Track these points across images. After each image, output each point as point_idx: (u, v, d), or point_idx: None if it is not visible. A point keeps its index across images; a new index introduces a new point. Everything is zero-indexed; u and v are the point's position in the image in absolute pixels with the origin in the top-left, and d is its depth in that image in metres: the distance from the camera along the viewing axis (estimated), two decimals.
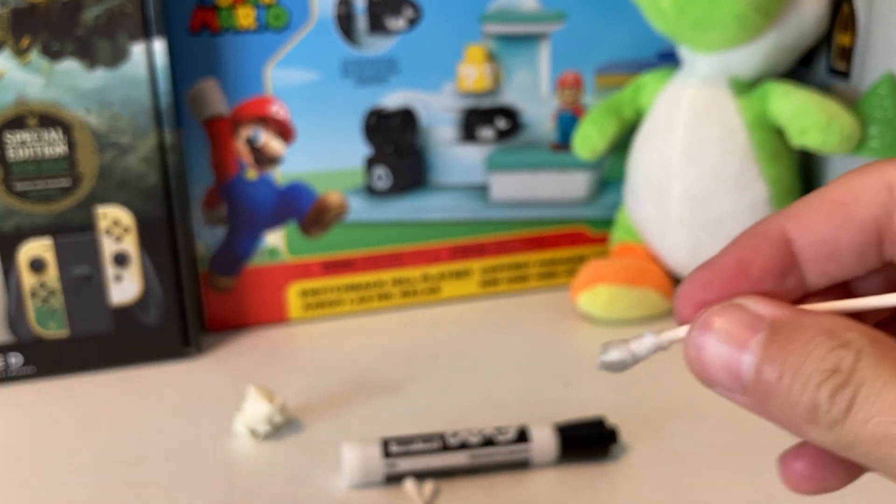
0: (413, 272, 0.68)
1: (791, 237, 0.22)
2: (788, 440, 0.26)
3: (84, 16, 0.53)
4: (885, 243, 0.22)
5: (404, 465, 0.45)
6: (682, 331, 0.23)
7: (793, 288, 0.22)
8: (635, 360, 0.24)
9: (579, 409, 0.51)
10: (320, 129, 0.63)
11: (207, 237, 0.64)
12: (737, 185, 0.59)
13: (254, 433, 0.51)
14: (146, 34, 0.54)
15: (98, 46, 0.54)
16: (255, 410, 0.50)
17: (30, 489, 0.47)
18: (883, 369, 0.19)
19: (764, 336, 0.20)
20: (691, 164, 0.60)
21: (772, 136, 0.59)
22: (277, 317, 0.66)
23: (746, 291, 0.22)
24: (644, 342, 0.23)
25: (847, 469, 0.25)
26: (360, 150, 0.64)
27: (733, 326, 0.21)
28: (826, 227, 0.22)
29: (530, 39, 0.65)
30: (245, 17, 0.60)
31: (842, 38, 0.59)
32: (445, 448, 0.46)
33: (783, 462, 0.26)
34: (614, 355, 0.23)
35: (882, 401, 0.18)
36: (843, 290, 0.24)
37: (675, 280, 0.66)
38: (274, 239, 0.65)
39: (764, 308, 0.21)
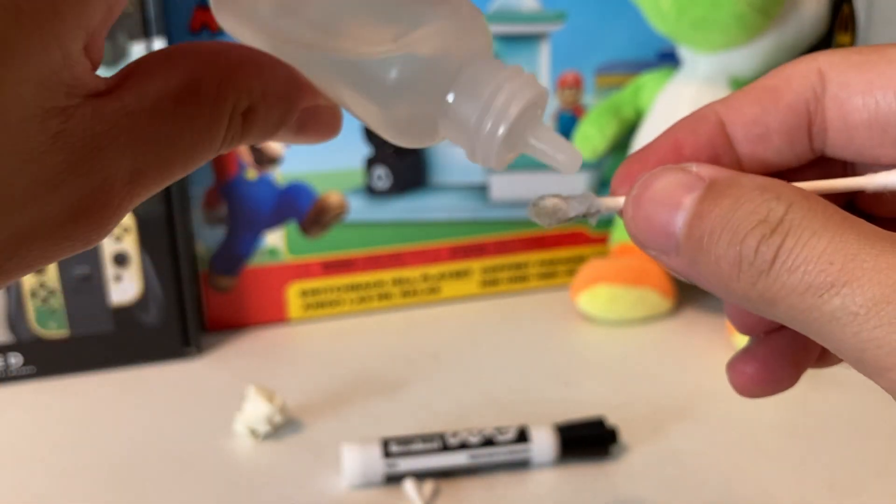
0: (413, 272, 0.68)
1: (724, 120, 0.22)
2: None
3: None
4: (813, 129, 0.22)
5: (404, 465, 0.45)
6: (622, 199, 0.22)
7: (730, 167, 0.22)
8: (565, 213, 0.23)
9: (579, 409, 0.51)
10: None
11: (207, 237, 0.64)
12: None
13: (254, 433, 0.51)
14: (146, 34, 0.54)
15: None
16: (255, 410, 0.50)
17: (30, 489, 0.47)
18: (814, 220, 0.18)
19: (699, 193, 0.20)
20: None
21: None
22: (277, 317, 0.66)
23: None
24: (582, 198, 0.23)
25: (796, 363, 0.25)
26: (360, 150, 0.64)
27: (671, 186, 0.21)
28: (756, 108, 0.22)
29: (530, 39, 0.65)
30: None
31: (842, 38, 0.59)
32: (445, 448, 0.46)
33: (733, 368, 0.26)
34: (549, 202, 0.23)
35: (809, 249, 0.18)
36: None
37: (674, 280, 0.66)
38: (274, 239, 0.65)
39: (705, 170, 0.21)
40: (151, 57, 0.21)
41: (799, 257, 0.18)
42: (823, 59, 0.22)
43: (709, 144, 0.22)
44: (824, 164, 0.23)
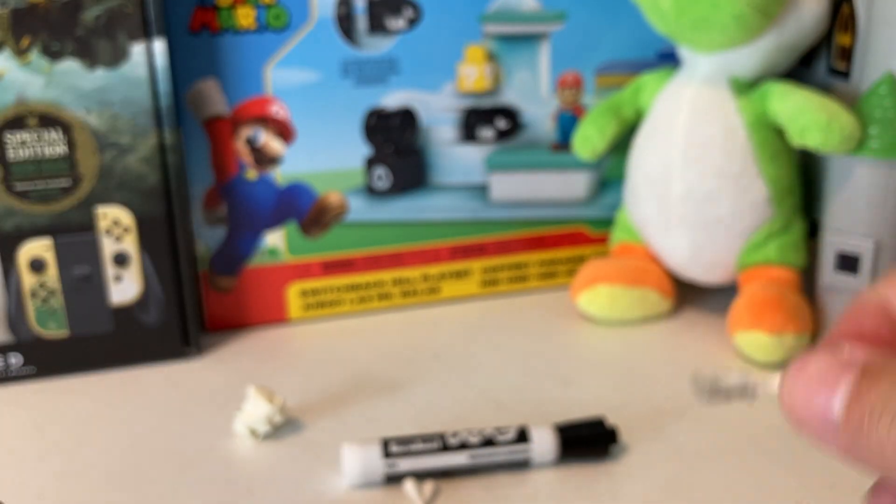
0: (413, 272, 0.68)
1: (889, 300, 0.22)
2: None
3: (84, 16, 0.53)
4: None
5: (404, 465, 0.45)
6: (776, 379, 0.22)
7: None
8: (722, 385, 0.23)
9: (579, 409, 0.51)
10: (320, 129, 0.63)
11: (207, 237, 0.64)
12: (737, 185, 0.59)
13: (254, 433, 0.51)
14: (146, 34, 0.54)
15: (98, 46, 0.54)
16: (255, 410, 0.50)
17: (30, 489, 0.47)
18: None
19: (853, 377, 0.19)
20: (691, 164, 0.60)
21: (772, 136, 0.59)
22: (277, 317, 0.66)
23: None
24: (740, 376, 0.23)
25: None
26: (360, 150, 0.64)
27: (825, 369, 0.20)
28: None
29: (530, 39, 0.65)
30: (245, 17, 0.60)
31: (842, 38, 0.59)
32: (445, 448, 0.46)
33: (872, 497, 0.25)
34: (732, 379, 0.23)
35: None
36: None
37: (674, 280, 0.66)
38: (274, 239, 0.65)
39: (858, 351, 0.20)
40: None
41: None
42: None
43: (873, 330, 0.22)
44: None
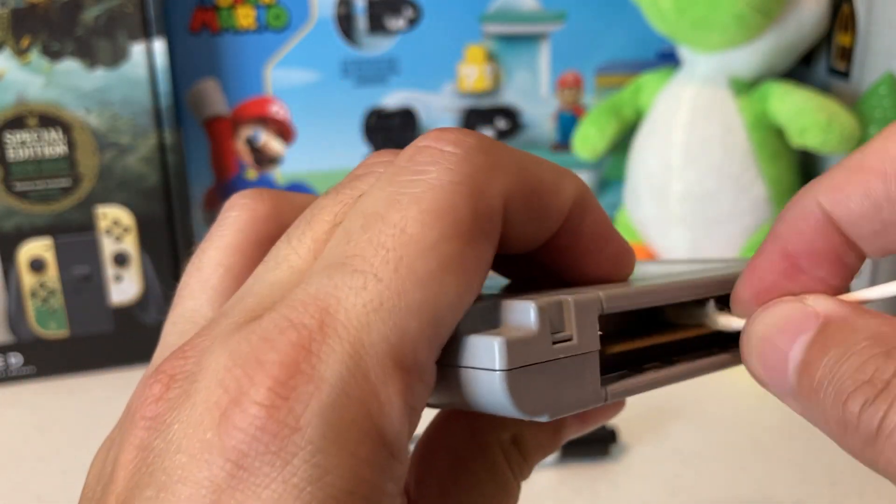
0: None
1: (832, 214, 0.19)
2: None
3: (84, 16, 0.53)
4: None
5: None
6: (738, 322, 0.21)
7: (857, 263, 0.20)
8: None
9: None
10: (320, 129, 0.63)
11: None
12: (737, 185, 0.59)
13: None
14: (146, 34, 0.55)
15: (98, 46, 0.54)
16: None
17: (30, 489, 0.47)
18: None
19: (809, 336, 0.18)
20: (691, 164, 0.60)
21: (772, 136, 0.59)
22: None
23: (805, 285, 0.19)
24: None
25: None
26: (360, 150, 0.64)
27: (783, 325, 0.19)
28: (866, 203, 0.19)
29: (530, 39, 0.65)
30: (245, 17, 0.60)
31: (842, 38, 0.59)
32: None
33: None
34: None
35: None
36: None
37: None
38: None
39: (821, 303, 0.18)
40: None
41: None
42: None
43: (825, 249, 0.19)
44: None
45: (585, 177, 0.69)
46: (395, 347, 0.16)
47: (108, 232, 0.57)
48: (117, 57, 0.54)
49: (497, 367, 0.16)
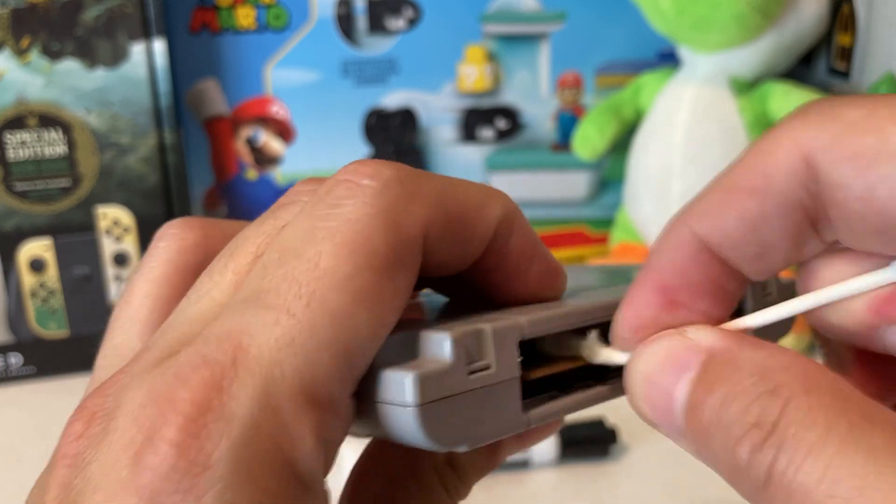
0: None
1: (708, 241, 0.18)
2: None
3: (84, 16, 0.53)
4: (819, 226, 0.17)
5: None
6: (621, 357, 0.19)
7: (739, 288, 0.19)
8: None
9: None
10: (320, 129, 0.63)
11: None
12: None
13: None
14: (146, 34, 0.54)
15: (98, 46, 0.54)
16: None
17: (30, 489, 0.47)
18: (812, 429, 0.15)
19: (695, 372, 0.17)
20: (691, 164, 0.60)
21: None
22: None
23: (685, 318, 0.18)
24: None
25: None
26: (360, 150, 0.64)
27: (667, 360, 0.17)
28: (742, 225, 0.18)
29: (530, 39, 0.65)
30: (245, 17, 0.60)
31: (842, 38, 0.59)
32: None
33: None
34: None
35: (805, 475, 0.15)
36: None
37: None
38: None
39: (703, 336, 0.17)
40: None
41: (794, 483, 0.15)
42: (805, 138, 0.17)
43: (703, 280, 0.18)
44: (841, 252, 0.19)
45: (585, 177, 0.69)
46: (307, 383, 0.16)
47: (108, 232, 0.57)
48: (117, 57, 0.54)
49: (409, 403, 0.16)
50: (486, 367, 0.17)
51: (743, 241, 0.18)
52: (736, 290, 0.19)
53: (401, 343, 0.17)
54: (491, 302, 0.20)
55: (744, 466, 0.16)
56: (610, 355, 0.20)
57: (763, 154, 0.18)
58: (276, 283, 0.16)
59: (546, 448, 0.46)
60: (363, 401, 0.17)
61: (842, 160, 0.16)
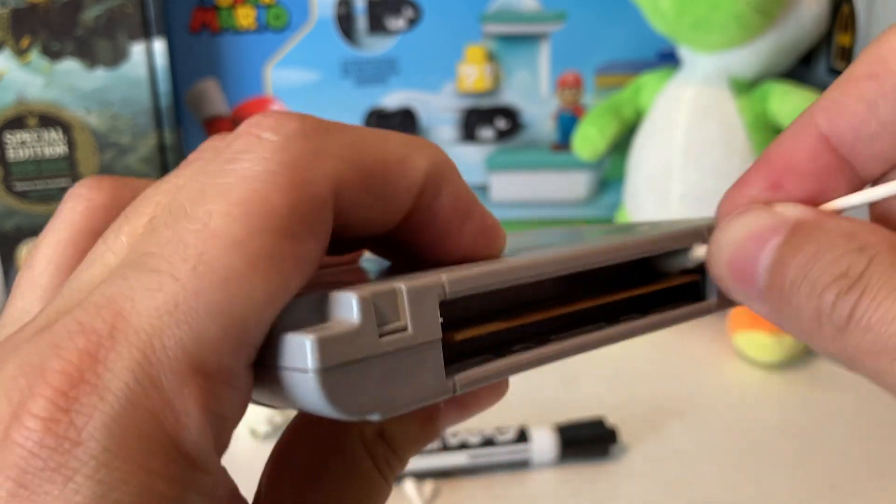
0: None
1: (826, 131, 0.19)
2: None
3: (84, 16, 0.53)
4: None
5: None
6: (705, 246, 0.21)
7: (846, 186, 0.20)
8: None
9: (579, 409, 0.51)
10: None
11: None
12: None
13: (254, 433, 0.51)
14: (146, 34, 0.54)
15: (98, 46, 0.54)
16: (256, 410, 0.50)
17: None
18: (893, 276, 0.17)
19: (781, 239, 0.18)
20: (691, 164, 0.60)
21: (772, 136, 0.59)
22: None
23: (791, 199, 0.20)
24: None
25: None
26: None
27: (752, 230, 0.19)
28: (860, 106, 0.19)
29: (530, 39, 0.65)
30: (245, 17, 0.60)
31: (842, 38, 0.59)
32: (445, 448, 0.46)
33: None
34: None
35: (884, 310, 0.16)
36: None
37: None
38: None
39: (790, 210, 0.19)
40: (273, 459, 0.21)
41: (873, 318, 0.17)
42: None
43: (812, 169, 0.20)
44: None
45: (585, 177, 0.69)
46: (192, 353, 0.15)
47: None
48: (117, 57, 0.54)
49: (310, 368, 0.15)
50: (402, 329, 0.16)
51: (862, 121, 0.19)
52: (846, 184, 0.20)
53: (308, 305, 0.16)
54: (428, 263, 0.19)
55: (828, 311, 0.17)
56: (704, 249, 0.20)
57: (877, 45, 0.19)
58: (162, 246, 0.15)
59: (546, 448, 0.46)
60: (266, 368, 0.16)
61: None
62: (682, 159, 0.60)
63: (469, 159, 0.67)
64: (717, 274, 0.19)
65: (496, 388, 0.23)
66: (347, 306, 0.16)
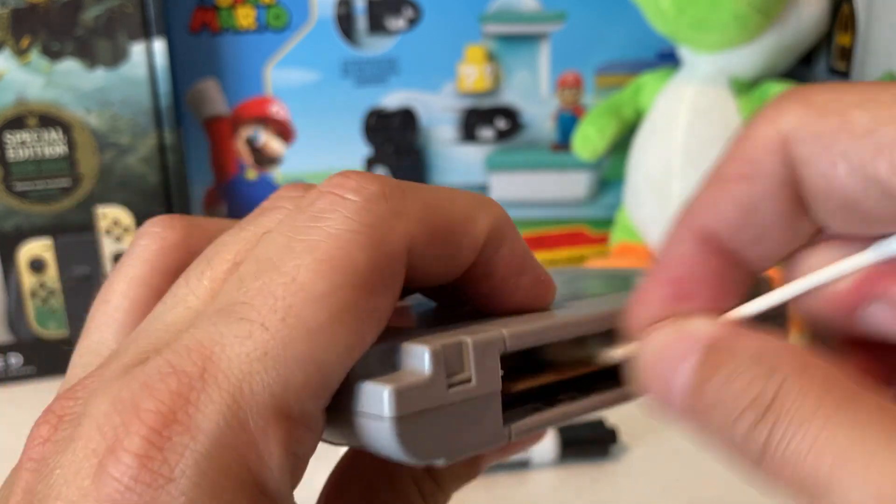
0: None
1: (708, 234, 0.19)
2: None
3: (84, 16, 0.54)
4: (810, 202, 0.18)
5: None
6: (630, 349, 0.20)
7: (748, 279, 0.19)
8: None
9: None
10: (320, 129, 0.63)
11: None
12: None
13: None
14: (146, 34, 0.55)
15: (98, 46, 0.54)
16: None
17: None
18: (805, 402, 0.16)
19: (695, 360, 0.18)
20: (691, 164, 0.60)
21: None
22: None
23: (692, 310, 0.19)
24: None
25: None
26: (360, 150, 0.64)
27: (667, 351, 0.18)
28: (737, 211, 0.18)
29: (530, 39, 0.65)
30: (245, 17, 0.60)
31: (842, 38, 0.59)
32: None
33: None
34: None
35: (798, 442, 0.16)
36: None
37: None
38: None
39: (702, 328, 0.18)
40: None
41: (788, 450, 0.16)
42: (782, 121, 0.18)
43: (706, 272, 0.19)
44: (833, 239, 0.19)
45: (585, 177, 0.69)
46: (278, 398, 0.16)
47: (108, 232, 0.57)
48: (117, 57, 0.54)
49: (386, 415, 0.16)
50: (467, 381, 0.17)
51: (740, 226, 0.18)
52: (742, 280, 0.19)
53: (380, 354, 0.17)
54: (479, 310, 0.20)
55: (742, 441, 0.17)
56: (621, 353, 0.20)
57: (746, 141, 0.18)
58: (252, 296, 0.16)
59: (546, 448, 0.46)
60: (339, 411, 0.17)
61: (807, 139, 0.17)
62: (682, 159, 0.60)
63: (469, 159, 0.67)
64: (642, 394, 0.19)
65: (538, 433, 0.24)
66: (420, 358, 0.17)
